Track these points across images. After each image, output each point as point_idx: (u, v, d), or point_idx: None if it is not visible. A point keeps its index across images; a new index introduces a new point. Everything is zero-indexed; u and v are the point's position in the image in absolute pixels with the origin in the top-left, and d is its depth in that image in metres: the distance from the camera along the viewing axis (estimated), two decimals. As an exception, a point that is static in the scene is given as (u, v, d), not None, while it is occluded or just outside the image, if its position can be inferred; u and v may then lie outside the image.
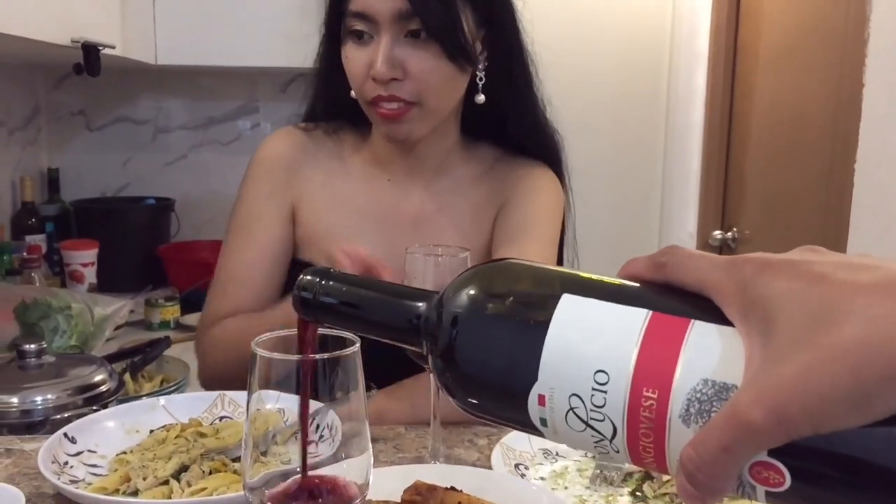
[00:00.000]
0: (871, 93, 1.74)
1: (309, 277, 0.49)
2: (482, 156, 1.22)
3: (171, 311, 2.06)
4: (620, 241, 2.68)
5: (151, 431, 0.92)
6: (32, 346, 1.10)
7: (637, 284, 0.41)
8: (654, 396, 0.37)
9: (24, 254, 1.99)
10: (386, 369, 0.93)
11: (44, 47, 1.48)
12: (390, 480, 0.73)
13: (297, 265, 1.18)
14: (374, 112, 1.08)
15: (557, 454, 0.92)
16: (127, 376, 1.46)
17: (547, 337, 0.39)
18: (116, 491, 0.81)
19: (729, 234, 2.49)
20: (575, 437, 0.40)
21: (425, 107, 1.07)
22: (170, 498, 0.79)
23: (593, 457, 0.90)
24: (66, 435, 0.87)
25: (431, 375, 0.86)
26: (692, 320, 0.37)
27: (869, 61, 1.74)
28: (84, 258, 2.20)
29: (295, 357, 0.51)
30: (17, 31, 1.25)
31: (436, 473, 0.78)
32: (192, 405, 0.98)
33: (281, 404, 0.51)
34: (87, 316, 1.65)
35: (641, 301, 0.39)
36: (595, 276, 0.42)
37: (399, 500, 0.72)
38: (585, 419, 0.39)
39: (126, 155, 2.58)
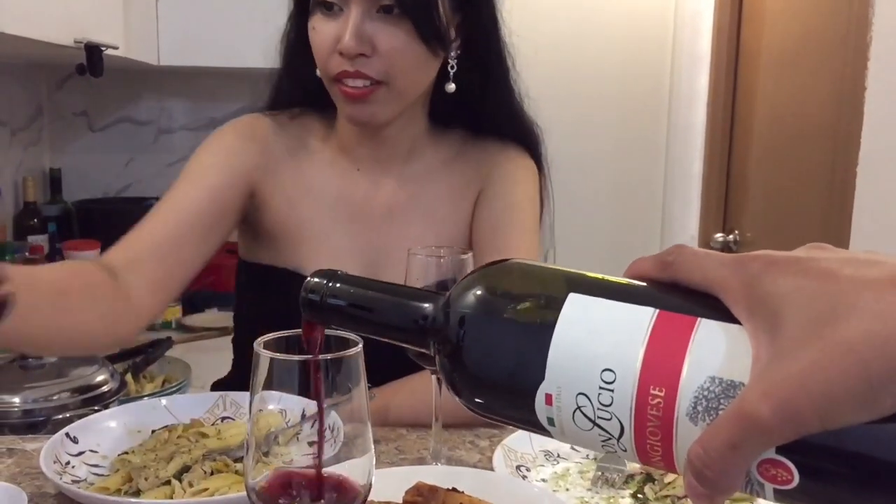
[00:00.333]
0: (873, 96, 1.74)
1: (316, 280, 0.49)
2: (451, 140, 1.18)
3: (173, 312, 2.06)
4: (622, 244, 2.68)
5: (153, 432, 0.92)
6: (34, 346, 1.10)
7: (643, 283, 0.41)
8: (662, 394, 0.37)
9: (27, 254, 2.00)
10: (386, 369, 0.93)
11: (46, 48, 1.48)
12: (392, 481, 0.73)
13: (262, 269, 1.13)
14: (338, 90, 1.03)
15: (559, 456, 0.92)
16: (129, 377, 1.46)
17: (554, 336, 0.40)
18: (118, 491, 0.81)
19: (731, 236, 2.48)
20: (582, 436, 0.40)
21: (392, 88, 1.02)
22: (171, 498, 0.79)
23: (595, 459, 0.89)
24: (68, 435, 0.87)
25: (434, 377, 0.87)
26: (699, 318, 0.37)
27: (871, 64, 1.74)
28: (86, 258, 2.19)
29: (300, 357, 0.51)
30: (20, 32, 1.25)
31: (437, 475, 0.78)
32: (193, 406, 0.99)
33: (283, 405, 0.51)
34: (88, 316, 1.65)
35: (648, 300, 0.39)
36: (601, 276, 0.42)
37: (401, 502, 0.72)
38: (593, 418, 0.39)
39: (128, 155, 2.58)
